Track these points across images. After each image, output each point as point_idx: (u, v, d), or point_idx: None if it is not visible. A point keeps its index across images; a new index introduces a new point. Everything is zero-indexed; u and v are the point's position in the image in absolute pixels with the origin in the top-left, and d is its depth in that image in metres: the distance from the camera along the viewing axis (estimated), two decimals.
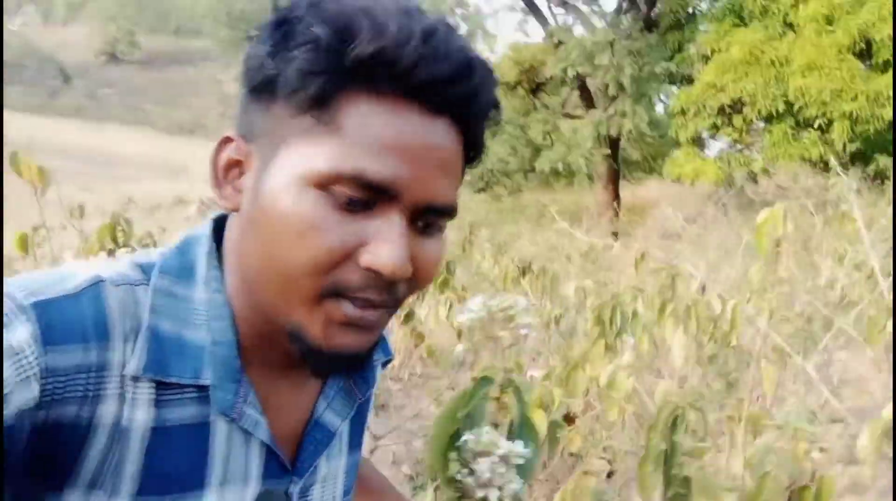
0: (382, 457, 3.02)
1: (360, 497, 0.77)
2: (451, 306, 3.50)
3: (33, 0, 51.05)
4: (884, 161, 10.08)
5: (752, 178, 10.94)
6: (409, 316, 3.59)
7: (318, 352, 0.54)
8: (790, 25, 11.59)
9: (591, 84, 12.85)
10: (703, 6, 12.70)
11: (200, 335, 0.56)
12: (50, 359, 0.49)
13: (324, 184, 0.51)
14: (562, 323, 3.47)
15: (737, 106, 11.09)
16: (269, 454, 0.60)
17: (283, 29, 0.53)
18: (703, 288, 2.56)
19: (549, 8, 13.95)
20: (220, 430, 0.57)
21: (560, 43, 12.23)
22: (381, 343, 0.69)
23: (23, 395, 0.47)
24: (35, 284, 0.51)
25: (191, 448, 0.55)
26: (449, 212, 0.56)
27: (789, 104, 10.76)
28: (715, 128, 11.40)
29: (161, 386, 0.54)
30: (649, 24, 13.05)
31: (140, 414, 0.53)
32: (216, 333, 0.57)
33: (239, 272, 0.58)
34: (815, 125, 10.70)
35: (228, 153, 0.58)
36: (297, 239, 0.52)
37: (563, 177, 17.82)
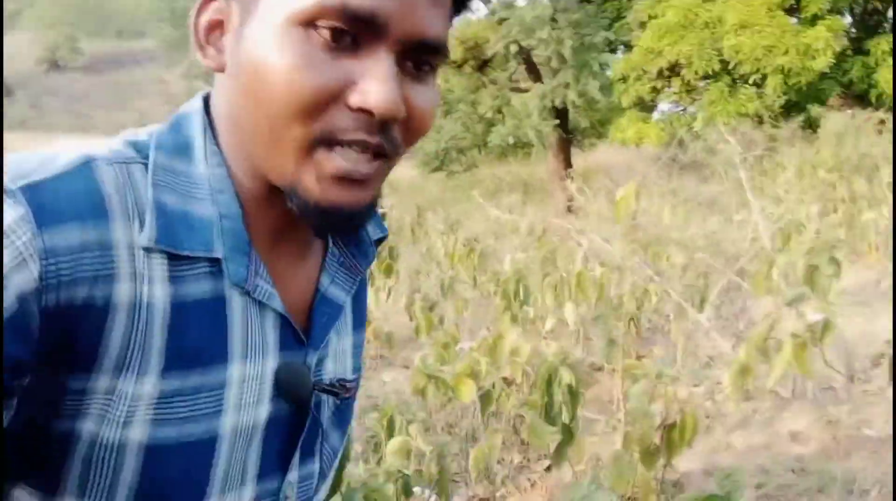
0: None
1: None
2: (389, 291, 3.70)
3: None
4: (815, 110, 10.47)
5: (697, 136, 11.28)
6: None
7: (314, 208, 0.53)
8: None
9: (536, 57, 13.03)
10: None
11: (207, 209, 0.56)
12: (47, 240, 0.47)
13: (307, 20, 0.50)
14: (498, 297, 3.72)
15: (675, 68, 11.39)
16: (284, 325, 0.60)
17: None
18: (587, 258, 2.81)
19: None
20: (236, 303, 0.57)
21: (503, 20, 12.36)
22: (374, 218, 0.69)
23: (22, 277, 0.46)
24: (21, 167, 0.50)
25: (210, 322, 0.55)
26: (439, 49, 0.55)
27: (725, 63, 11.09)
28: (655, 91, 11.70)
29: (174, 260, 0.54)
30: None
31: (158, 291, 0.52)
32: (222, 206, 0.56)
33: (232, 136, 0.58)
34: (751, 81, 11.05)
35: (209, 15, 0.57)
36: (282, 81, 0.50)
37: (520, 149, 18.07)
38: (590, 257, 2.93)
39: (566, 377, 1.63)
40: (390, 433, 2.27)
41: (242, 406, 0.57)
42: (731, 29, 10.90)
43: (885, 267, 5.02)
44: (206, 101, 0.60)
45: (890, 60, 11.14)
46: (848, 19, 12.75)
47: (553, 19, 11.57)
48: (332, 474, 0.72)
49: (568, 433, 1.62)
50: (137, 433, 0.52)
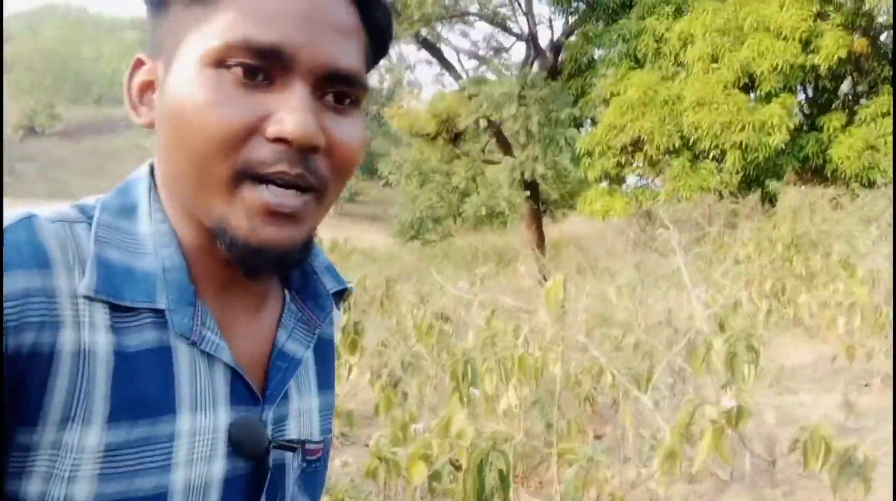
0: None
1: None
2: (350, 367, 3.73)
3: None
4: (773, 185, 10.89)
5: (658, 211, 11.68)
6: None
7: (244, 246, 0.54)
8: (681, 65, 12.51)
9: (506, 131, 13.50)
10: (601, 52, 13.56)
11: (150, 264, 0.57)
12: None
13: (218, 60, 0.53)
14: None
15: (638, 144, 11.85)
16: (235, 378, 0.59)
17: None
18: (528, 342, 2.92)
19: (460, 62, 14.63)
20: (183, 354, 0.56)
21: (472, 95, 12.85)
22: (331, 271, 0.71)
23: None
24: None
25: (156, 372, 0.55)
26: (353, 80, 0.57)
27: (685, 139, 11.57)
28: (620, 166, 12.13)
29: (116, 310, 0.54)
30: (553, 73, 13.85)
31: (100, 338, 0.53)
32: (165, 260, 0.57)
33: (170, 190, 0.59)
34: (710, 156, 11.52)
35: (140, 77, 0.60)
36: (198, 119, 0.52)
37: (494, 219, 18.41)
38: (537, 337, 3.05)
39: (498, 462, 1.71)
40: None
41: (194, 461, 0.56)
42: (690, 106, 11.42)
43: (843, 343, 5.16)
44: (153, 166, 0.62)
45: (842, 138, 11.71)
46: (802, 96, 13.45)
47: (521, 95, 12.07)
48: None
49: None
50: (84, 490, 0.51)
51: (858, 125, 11.72)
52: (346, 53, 0.56)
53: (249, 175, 0.53)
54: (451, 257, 14.79)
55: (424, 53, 15.00)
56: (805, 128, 12.57)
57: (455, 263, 13.33)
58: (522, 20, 14.80)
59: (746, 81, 11.89)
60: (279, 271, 0.61)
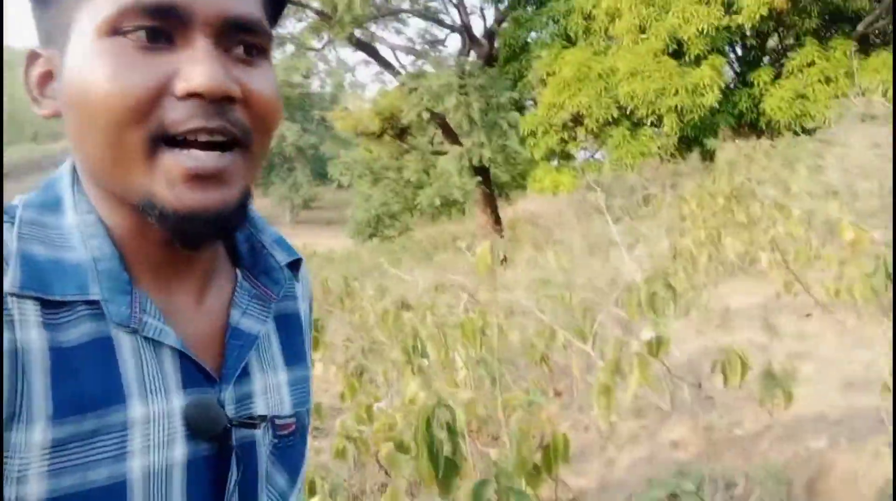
0: None
1: None
2: (312, 362, 3.83)
3: None
4: (710, 143, 11.26)
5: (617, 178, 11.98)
6: None
7: (173, 216, 0.53)
8: (611, 39, 12.81)
9: (450, 121, 13.66)
10: (534, 35, 13.80)
11: (79, 256, 0.55)
12: None
13: (113, 28, 0.52)
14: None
15: (578, 119, 12.12)
16: (185, 361, 0.58)
17: None
18: (468, 308, 3.09)
19: (397, 59, 14.72)
20: (125, 342, 0.55)
21: (412, 90, 12.97)
22: (281, 243, 0.70)
23: None
24: None
25: (98, 364, 0.53)
26: (255, 28, 0.56)
27: (622, 109, 11.87)
28: (564, 142, 12.39)
29: (48, 307, 0.53)
30: (490, 60, 14.05)
31: (33, 336, 0.51)
32: (95, 250, 0.56)
33: (89, 177, 0.58)
34: (648, 123, 11.84)
35: (38, 68, 0.59)
36: (104, 92, 0.51)
37: (451, 208, 18.59)
38: (481, 306, 3.22)
39: (444, 415, 1.85)
40: (311, 493, 2.43)
41: (151, 448, 0.55)
42: (623, 77, 11.72)
43: (790, 281, 5.42)
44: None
45: (772, 90, 12.15)
46: (732, 56, 13.88)
47: (460, 85, 12.23)
48: None
49: (452, 466, 1.83)
50: (35, 489, 0.50)
51: (787, 77, 12.17)
52: (243, 2, 0.55)
53: (165, 139, 0.52)
54: (409, 249, 14.92)
55: (363, 54, 15.06)
56: (738, 86, 12.99)
57: (414, 255, 13.47)
58: (454, 12, 14.99)
59: (675, 47, 12.24)
60: (218, 236, 0.58)
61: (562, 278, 3.96)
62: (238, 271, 0.67)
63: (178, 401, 0.57)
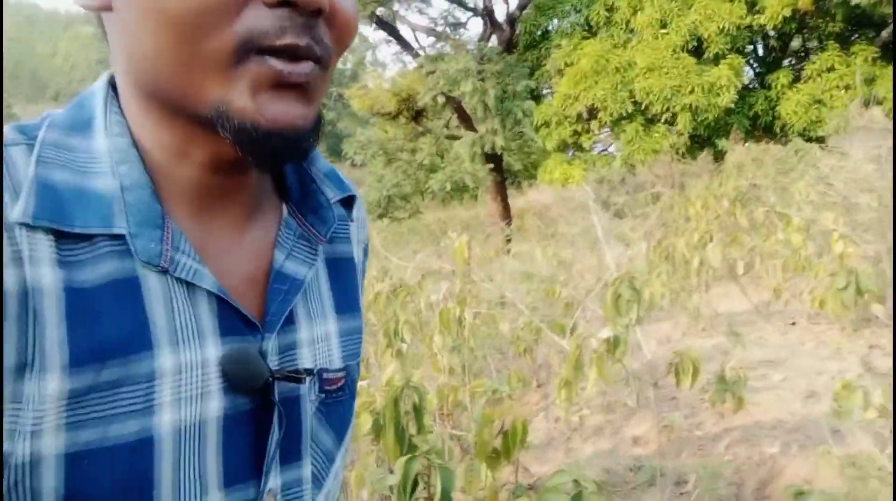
0: None
1: None
2: None
3: None
4: (722, 144, 11.29)
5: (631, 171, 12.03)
6: None
7: (253, 129, 0.47)
8: (632, 32, 12.80)
9: (465, 106, 13.72)
10: (556, 23, 13.79)
11: (106, 184, 0.50)
12: None
13: None
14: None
15: (593, 111, 12.16)
16: (223, 307, 0.52)
17: None
18: (447, 298, 3.23)
19: (417, 40, 14.77)
20: (153, 283, 0.50)
21: (430, 72, 13.02)
22: (332, 176, 0.63)
23: None
24: None
25: (121, 308, 0.48)
26: None
27: (637, 104, 11.90)
28: (577, 134, 12.44)
29: (63, 240, 0.47)
30: (509, 46, 14.05)
31: (45, 274, 0.46)
32: (125, 178, 0.50)
33: (139, 81, 0.51)
34: (662, 120, 11.87)
35: None
36: None
37: (463, 193, 18.70)
38: (464, 297, 3.36)
39: (412, 395, 2.01)
40: None
41: (182, 401, 0.50)
42: (641, 72, 11.74)
43: (783, 289, 5.52)
44: (112, 75, 0.56)
45: (790, 94, 12.12)
46: (754, 55, 13.82)
47: (477, 70, 12.28)
48: (331, 481, 0.62)
49: (414, 446, 1.98)
50: (52, 443, 0.45)
51: (805, 81, 12.13)
52: None
53: (254, 48, 0.47)
54: (418, 232, 15.08)
55: (385, 33, 15.10)
56: (755, 86, 12.96)
57: (422, 238, 13.62)
58: None
59: (695, 44, 12.23)
60: (292, 158, 0.52)
61: (548, 272, 4.08)
62: (284, 207, 0.61)
63: (213, 350, 0.51)
